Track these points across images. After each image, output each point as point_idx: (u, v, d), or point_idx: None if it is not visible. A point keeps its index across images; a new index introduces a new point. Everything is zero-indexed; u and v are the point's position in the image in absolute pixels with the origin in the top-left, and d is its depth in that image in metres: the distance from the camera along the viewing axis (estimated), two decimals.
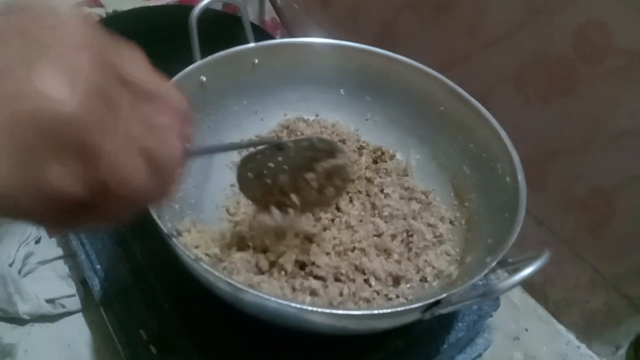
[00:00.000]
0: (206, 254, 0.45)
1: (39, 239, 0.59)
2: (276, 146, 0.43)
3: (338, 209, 0.52)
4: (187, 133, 0.26)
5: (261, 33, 0.74)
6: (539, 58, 0.56)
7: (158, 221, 0.37)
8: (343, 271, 0.45)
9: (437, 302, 0.36)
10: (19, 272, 0.54)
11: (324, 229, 0.49)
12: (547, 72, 0.56)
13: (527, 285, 0.64)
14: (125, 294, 0.50)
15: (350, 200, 0.53)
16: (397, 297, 0.45)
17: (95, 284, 0.51)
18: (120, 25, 0.75)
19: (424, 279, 0.47)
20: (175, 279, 0.47)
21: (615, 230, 0.55)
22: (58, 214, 0.20)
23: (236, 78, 0.55)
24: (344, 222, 0.50)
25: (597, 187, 0.55)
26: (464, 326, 0.49)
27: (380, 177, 0.55)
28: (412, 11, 0.70)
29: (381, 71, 0.57)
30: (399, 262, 0.47)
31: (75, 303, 0.56)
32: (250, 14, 0.92)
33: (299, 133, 0.57)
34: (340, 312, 0.37)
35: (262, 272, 0.45)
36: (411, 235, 0.49)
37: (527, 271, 0.33)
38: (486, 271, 0.37)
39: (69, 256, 0.58)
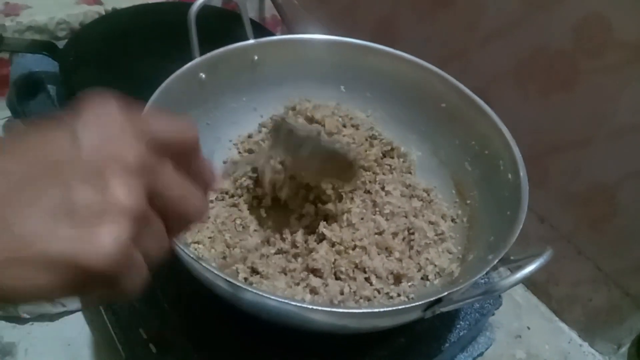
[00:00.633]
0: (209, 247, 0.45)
1: None
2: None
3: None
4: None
5: (261, 30, 0.74)
6: (538, 52, 0.55)
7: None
8: (343, 269, 0.44)
9: (439, 300, 0.35)
10: None
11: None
12: (546, 66, 0.55)
13: (530, 283, 0.64)
14: None
15: (352, 198, 0.53)
16: (398, 295, 0.45)
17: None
18: (119, 22, 0.75)
19: (425, 277, 0.47)
20: (175, 277, 0.47)
21: (616, 226, 0.54)
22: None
23: (235, 75, 0.55)
24: (344, 219, 0.49)
25: (598, 183, 0.55)
26: (465, 324, 0.49)
27: (383, 173, 0.55)
28: (411, 6, 0.69)
29: (381, 67, 0.56)
30: (400, 260, 0.47)
31: (75, 302, 0.56)
32: (251, 11, 0.91)
33: (308, 114, 0.56)
34: (341, 310, 0.37)
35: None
36: (412, 233, 0.49)
37: (530, 269, 0.33)
38: (488, 269, 0.37)
39: None
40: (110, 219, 0.20)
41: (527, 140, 0.47)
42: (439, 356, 0.46)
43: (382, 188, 0.53)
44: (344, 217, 0.50)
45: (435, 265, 0.47)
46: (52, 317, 0.55)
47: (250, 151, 0.56)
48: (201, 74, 0.51)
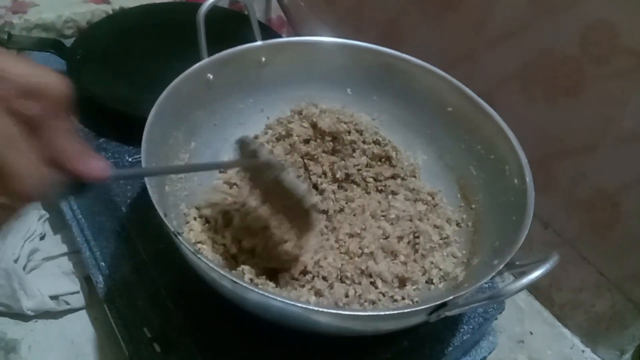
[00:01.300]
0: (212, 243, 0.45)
1: (44, 235, 0.59)
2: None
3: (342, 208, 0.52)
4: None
5: (267, 31, 0.74)
6: (545, 57, 0.55)
7: (164, 219, 0.37)
8: (349, 274, 0.45)
9: (444, 304, 0.35)
10: (24, 268, 0.54)
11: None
12: (553, 71, 0.55)
13: (533, 288, 0.64)
14: (128, 291, 0.49)
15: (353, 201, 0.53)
16: (403, 298, 0.45)
17: (99, 280, 0.51)
18: (127, 22, 0.75)
19: (430, 281, 0.47)
20: (179, 276, 0.47)
21: (620, 232, 0.54)
22: None
23: (243, 76, 0.55)
24: (349, 224, 0.49)
25: (602, 189, 0.55)
26: (469, 328, 0.49)
27: (387, 178, 0.55)
28: (417, 9, 0.69)
29: (388, 71, 0.56)
30: (405, 263, 0.47)
31: (79, 300, 0.56)
32: (257, 12, 0.91)
33: (313, 119, 0.56)
34: (345, 312, 0.37)
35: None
36: (417, 237, 0.49)
37: (535, 274, 0.33)
38: (493, 274, 0.37)
39: (74, 253, 0.58)
40: None
41: (532, 145, 0.47)
42: (442, 359, 0.47)
43: (387, 192, 0.53)
44: (349, 222, 0.50)
45: (440, 269, 0.47)
46: (55, 315, 0.55)
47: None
48: (209, 74, 0.51)
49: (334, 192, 0.54)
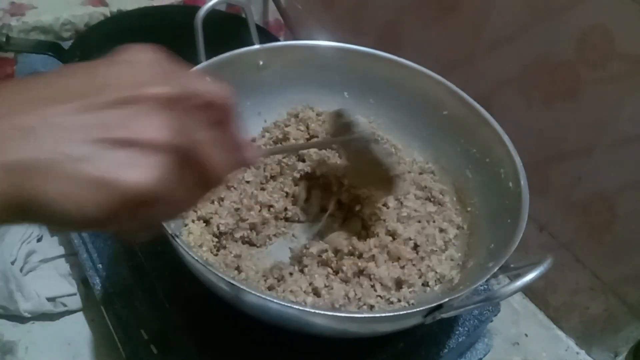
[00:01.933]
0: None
1: (41, 237, 0.59)
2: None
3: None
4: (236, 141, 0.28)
5: (265, 34, 0.74)
6: (542, 61, 0.56)
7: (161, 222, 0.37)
8: (349, 274, 0.45)
9: (439, 307, 0.36)
10: (21, 270, 0.55)
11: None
12: (550, 75, 0.56)
13: (528, 290, 0.64)
14: (126, 293, 0.50)
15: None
16: (399, 300, 0.45)
17: (97, 283, 0.51)
18: (125, 24, 0.75)
19: (425, 283, 0.47)
20: (177, 278, 0.47)
21: (615, 235, 0.55)
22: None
23: (240, 79, 0.55)
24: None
25: (598, 192, 0.55)
26: (464, 330, 0.49)
27: None
28: (415, 13, 0.70)
29: (385, 75, 0.57)
30: (403, 267, 0.47)
31: (76, 302, 0.56)
32: (254, 15, 0.92)
33: (308, 123, 0.57)
34: (342, 314, 0.37)
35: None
36: (423, 240, 0.49)
37: (530, 277, 0.33)
38: (488, 276, 0.37)
39: (71, 255, 0.58)
40: (150, 148, 0.22)
41: (528, 148, 0.48)
42: None
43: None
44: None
45: (436, 272, 0.47)
46: (52, 317, 0.55)
47: None
48: (207, 78, 0.51)
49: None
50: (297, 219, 0.54)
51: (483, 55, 0.62)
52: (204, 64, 0.51)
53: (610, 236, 0.55)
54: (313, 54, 0.57)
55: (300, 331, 0.39)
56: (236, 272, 0.47)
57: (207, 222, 0.49)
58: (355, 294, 0.44)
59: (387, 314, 0.36)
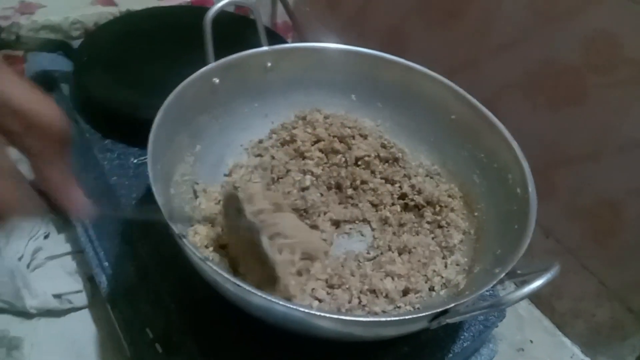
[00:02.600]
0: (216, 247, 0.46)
1: (48, 234, 0.59)
2: None
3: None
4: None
5: (274, 36, 0.74)
6: (547, 66, 0.56)
7: (169, 222, 0.37)
8: (353, 290, 0.45)
9: (445, 312, 0.36)
10: (28, 266, 0.55)
11: None
12: (555, 80, 0.56)
13: (534, 296, 0.64)
14: (132, 292, 0.50)
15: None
16: (405, 305, 0.45)
17: (103, 281, 0.52)
18: (133, 24, 0.75)
19: (432, 288, 0.47)
20: (182, 279, 0.47)
21: (622, 242, 0.54)
22: None
23: (248, 81, 0.56)
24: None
25: (604, 198, 0.55)
26: (469, 336, 0.49)
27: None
28: (421, 16, 0.70)
29: (393, 78, 0.57)
30: (409, 278, 0.47)
31: (81, 299, 0.56)
32: (263, 17, 0.92)
33: (316, 125, 0.57)
34: (347, 318, 0.37)
35: None
36: (430, 248, 0.49)
37: (537, 284, 0.33)
38: (495, 282, 0.37)
39: (77, 252, 0.58)
40: None
41: (534, 153, 0.48)
42: None
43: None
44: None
45: (442, 277, 0.47)
46: (58, 314, 0.56)
47: (260, 156, 0.57)
48: (215, 78, 0.52)
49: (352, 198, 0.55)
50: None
51: (488, 60, 0.62)
52: (212, 65, 0.51)
53: (616, 242, 0.55)
54: (321, 56, 0.57)
55: (305, 334, 0.39)
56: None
57: (212, 223, 0.49)
58: (360, 302, 0.44)
59: (392, 319, 0.36)
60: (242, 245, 0.45)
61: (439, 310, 0.35)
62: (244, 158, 0.57)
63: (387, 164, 0.57)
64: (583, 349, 0.60)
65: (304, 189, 0.53)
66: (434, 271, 0.47)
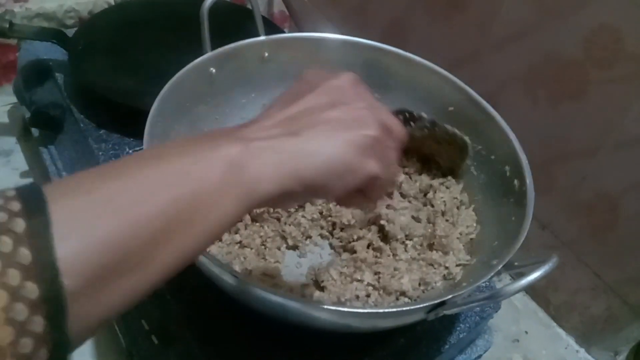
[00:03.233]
0: None
1: None
2: None
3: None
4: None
5: (271, 26, 0.74)
6: (549, 60, 0.56)
7: None
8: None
9: (443, 303, 0.36)
10: None
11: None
12: (557, 74, 0.55)
13: (529, 288, 0.64)
14: None
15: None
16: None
17: None
18: (129, 13, 0.75)
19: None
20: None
21: (618, 236, 0.55)
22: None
23: (245, 71, 0.55)
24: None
25: (602, 192, 0.55)
26: (465, 327, 0.49)
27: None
28: (423, 8, 0.69)
29: (391, 69, 0.56)
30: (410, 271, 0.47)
31: None
32: (259, 6, 0.91)
33: None
34: (344, 309, 0.37)
35: None
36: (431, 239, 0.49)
37: (534, 276, 0.33)
38: (492, 274, 0.37)
39: None
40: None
41: (533, 147, 0.48)
42: (438, 357, 0.47)
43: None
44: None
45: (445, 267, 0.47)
46: None
47: None
48: (212, 68, 0.51)
49: None
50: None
51: (489, 53, 0.62)
52: (208, 54, 0.51)
53: (613, 236, 0.55)
54: (319, 46, 0.57)
55: (302, 325, 0.39)
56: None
57: None
58: (359, 296, 0.44)
59: (390, 310, 0.36)
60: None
61: (436, 301, 0.35)
62: None
63: None
64: (578, 340, 0.61)
65: None
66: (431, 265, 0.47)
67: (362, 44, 0.56)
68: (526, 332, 0.61)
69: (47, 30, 0.69)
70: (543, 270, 0.34)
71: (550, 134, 0.57)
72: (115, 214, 0.21)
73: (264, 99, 0.58)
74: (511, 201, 0.45)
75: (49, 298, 0.19)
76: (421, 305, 0.35)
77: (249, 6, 0.57)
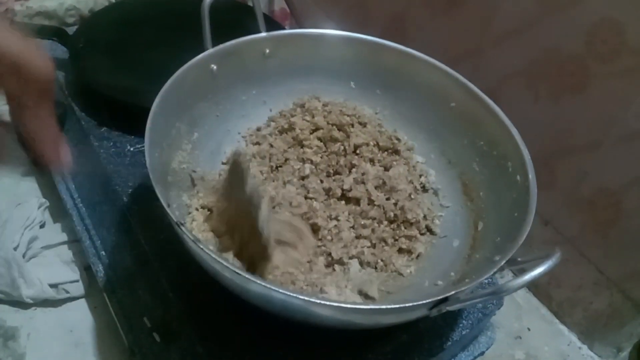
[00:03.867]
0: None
1: (44, 223, 0.59)
2: None
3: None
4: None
5: (272, 23, 0.73)
6: (550, 55, 0.55)
7: (167, 209, 0.37)
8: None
9: (445, 299, 0.35)
10: (23, 256, 0.54)
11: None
12: (558, 69, 0.55)
13: (531, 284, 0.64)
14: (129, 281, 0.50)
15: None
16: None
17: (100, 270, 0.51)
18: (130, 10, 0.75)
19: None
20: (180, 267, 0.47)
21: (621, 231, 0.54)
22: None
23: (246, 68, 0.55)
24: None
25: (604, 187, 0.55)
26: (468, 324, 0.49)
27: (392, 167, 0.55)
28: (423, 3, 0.69)
29: (392, 65, 0.56)
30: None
31: (78, 288, 0.56)
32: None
33: (314, 113, 0.56)
34: (347, 305, 0.37)
35: None
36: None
37: (538, 271, 0.33)
38: (495, 270, 0.37)
39: (74, 242, 0.58)
40: None
41: (535, 142, 0.47)
42: (440, 354, 0.47)
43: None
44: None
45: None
46: (55, 303, 0.55)
47: (258, 144, 0.56)
48: (212, 65, 0.51)
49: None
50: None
51: (490, 48, 0.61)
52: (210, 51, 0.51)
53: (615, 232, 0.55)
54: (320, 43, 0.57)
55: (304, 321, 0.39)
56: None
57: (211, 210, 0.49)
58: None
59: (392, 306, 0.36)
60: (235, 213, 0.44)
61: (439, 297, 0.35)
62: (242, 146, 0.56)
63: (386, 153, 0.56)
64: (580, 336, 0.61)
65: (303, 178, 0.53)
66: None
67: (362, 40, 0.56)
68: (528, 329, 0.61)
69: (48, 29, 0.69)
70: (547, 265, 0.34)
71: (552, 129, 0.57)
72: None
73: (265, 96, 0.58)
74: (514, 197, 0.45)
75: None
76: (424, 302, 0.35)
77: (249, 3, 0.57)
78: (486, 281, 0.49)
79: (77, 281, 0.56)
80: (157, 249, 0.50)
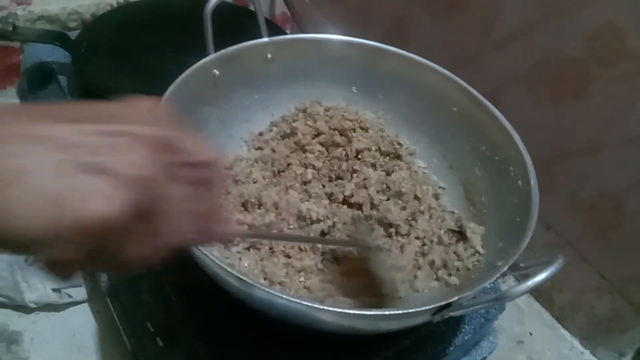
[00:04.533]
0: None
1: None
2: None
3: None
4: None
5: (274, 27, 0.74)
6: (552, 59, 0.56)
7: None
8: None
9: (448, 305, 0.35)
10: (26, 260, 0.54)
11: None
12: (559, 73, 0.55)
13: (534, 289, 0.64)
14: (132, 285, 0.49)
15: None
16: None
17: (102, 274, 0.51)
18: (131, 15, 0.75)
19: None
20: (184, 271, 0.47)
21: (623, 235, 0.54)
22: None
23: (249, 72, 0.55)
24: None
25: (606, 191, 0.55)
26: (470, 329, 0.49)
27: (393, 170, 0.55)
28: (424, 8, 0.69)
29: (394, 70, 0.56)
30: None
31: (81, 293, 0.56)
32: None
33: (316, 118, 0.57)
34: (349, 311, 0.37)
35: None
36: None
37: (541, 277, 0.33)
38: (498, 275, 0.37)
39: None
40: (121, 182, 0.21)
41: (536, 146, 0.48)
42: (443, 359, 0.47)
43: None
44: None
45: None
46: (58, 308, 0.56)
47: (260, 149, 0.56)
48: (215, 70, 0.51)
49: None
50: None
51: (492, 52, 0.62)
52: (212, 56, 0.51)
53: (617, 236, 0.55)
54: (322, 47, 0.57)
55: (306, 327, 0.39)
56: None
57: None
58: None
59: (395, 312, 0.36)
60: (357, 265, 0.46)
61: (442, 303, 0.35)
62: (244, 151, 0.56)
63: (388, 157, 0.56)
64: (582, 341, 0.61)
65: (305, 183, 0.53)
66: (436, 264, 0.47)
67: (363, 45, 0.56)
68: (530, 334, 0.61)
69: (50, 33, 0.69)
70: (549, 271, 0.34)
71: (553, 133, 0.57)
72: None
73: (267, 101, 0.58)
74: (516, 202, 0.45)
75: None
76: (427, 307, 0.35)
77: (251, 8, 0.57)
78: (489, 286, 0.49)
79: (80, 285, 0.56)
80: None
